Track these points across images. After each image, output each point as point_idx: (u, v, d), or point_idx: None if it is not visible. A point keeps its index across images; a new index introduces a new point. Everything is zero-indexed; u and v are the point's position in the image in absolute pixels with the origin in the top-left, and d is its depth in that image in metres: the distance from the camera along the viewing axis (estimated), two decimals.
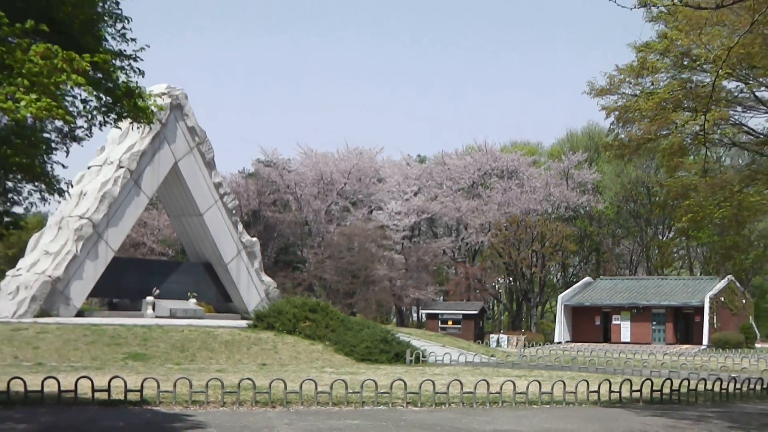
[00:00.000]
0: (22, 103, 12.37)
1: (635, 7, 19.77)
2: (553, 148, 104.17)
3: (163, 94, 51.90)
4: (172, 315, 50.99)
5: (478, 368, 38.88)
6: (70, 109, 15.18)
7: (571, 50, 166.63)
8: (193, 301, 54.89)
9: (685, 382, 27.95)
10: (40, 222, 56.76)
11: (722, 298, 70.49)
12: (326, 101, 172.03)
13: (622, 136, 34.03)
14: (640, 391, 26.32)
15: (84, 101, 15.30)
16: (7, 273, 52.51)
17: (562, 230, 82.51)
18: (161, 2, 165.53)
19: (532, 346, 65.44)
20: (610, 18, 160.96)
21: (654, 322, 71.47)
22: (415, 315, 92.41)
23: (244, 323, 46.59)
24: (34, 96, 12.47)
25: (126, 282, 54.21)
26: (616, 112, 31.14)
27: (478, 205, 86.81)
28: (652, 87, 29.72)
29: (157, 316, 50.45)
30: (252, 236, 62.11)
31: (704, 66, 27.47)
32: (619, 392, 26.05)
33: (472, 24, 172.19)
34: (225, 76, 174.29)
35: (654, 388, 26.67)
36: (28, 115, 12.56)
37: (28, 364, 34.03)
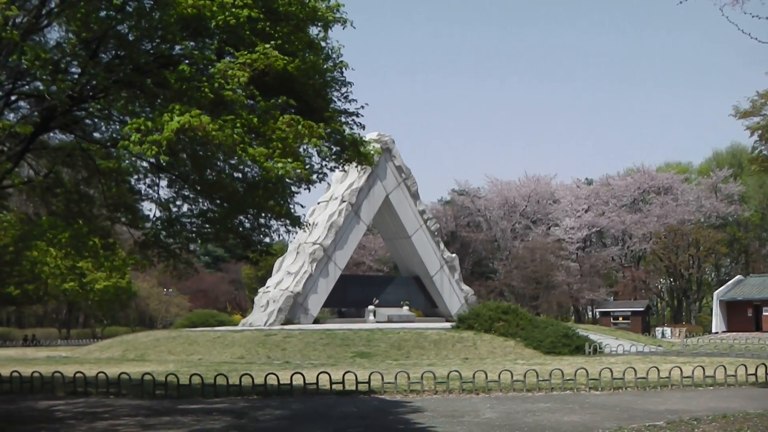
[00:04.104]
0: (278, 164, 12.97)
1: None
2: (701, 166, 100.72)
3: (375, 140, 52.81)
4: (390, 320, 51.59)
5: (648, 357, 37.71)
6: (308, 158, 15.73)
7: (714, 83, 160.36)
8: (406, 308, 55.39)
9: None
10: (282, 248, 58.35)
11: None
12: (506, 136, 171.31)
13: (765, 152, 32.59)
14: None
15: (319, 153, 15.79)
16: (259, 290, 54.32)
17: (714, 236, 79.94)
18: (357, 52, 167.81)
19: (693, 336, 63.33)
20: (745, 52, 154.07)
21: None
22: (590, 313, 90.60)
23: (448, 325, 46.56)
24: (288, 160, 13.04)
25: (351, 294, 55.30)
26: (759, 131, 29.89)
27: (640, 218, 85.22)
28: None
29: (377, 322, 51.16)
30: (451, 253, 62.22)
31: None
32: None
33: (632, 67, 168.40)
34: (425, 120, 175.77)
35: None
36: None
37: (278, 362, 35.07)
